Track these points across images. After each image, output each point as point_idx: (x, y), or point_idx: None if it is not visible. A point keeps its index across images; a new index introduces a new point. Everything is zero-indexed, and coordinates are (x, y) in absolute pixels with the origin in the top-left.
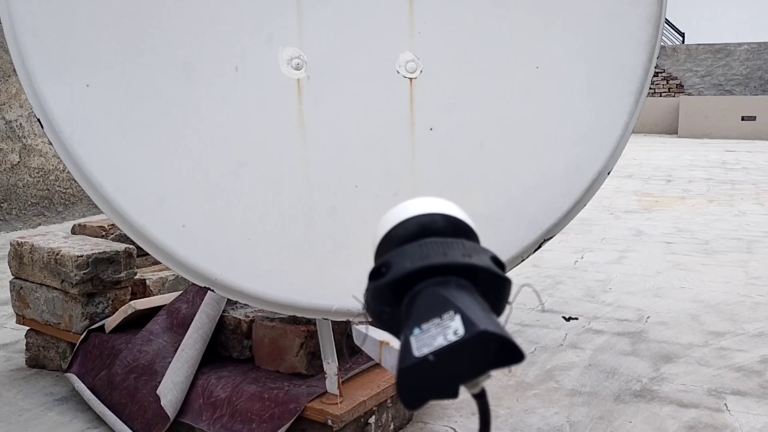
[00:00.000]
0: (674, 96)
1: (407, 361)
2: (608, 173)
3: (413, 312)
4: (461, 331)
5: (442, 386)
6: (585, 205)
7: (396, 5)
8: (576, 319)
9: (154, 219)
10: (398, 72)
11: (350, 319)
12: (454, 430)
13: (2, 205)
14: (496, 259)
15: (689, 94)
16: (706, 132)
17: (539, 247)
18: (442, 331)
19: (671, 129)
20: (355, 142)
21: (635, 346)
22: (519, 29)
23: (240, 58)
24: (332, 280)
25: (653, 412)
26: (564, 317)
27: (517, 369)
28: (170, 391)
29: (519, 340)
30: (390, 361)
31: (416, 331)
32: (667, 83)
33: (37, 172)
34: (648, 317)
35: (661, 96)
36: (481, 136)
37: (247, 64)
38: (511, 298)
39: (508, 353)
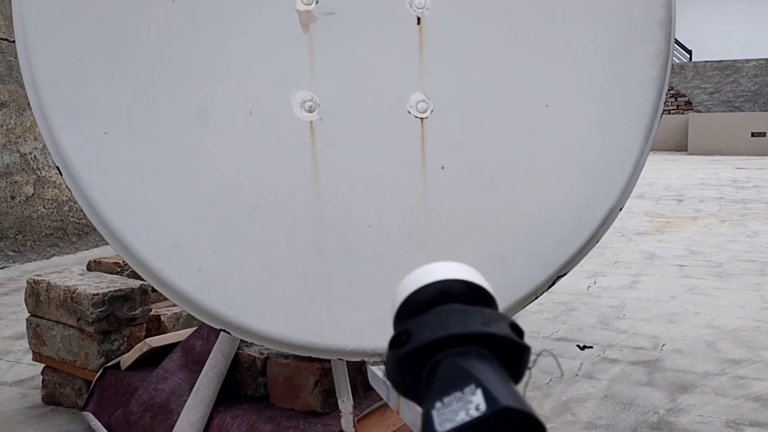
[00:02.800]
0: (683, 113)
1: None
2: (620, 209)
3: (434, 384)
4: (483, 406)
5: None
6: (598, 241)
7: (406, 47)
8: (591, 347)
9: (171, 263)
10: (409, 112)
11: (365, 359)
12: None
13: (17, 236)
14: (514, 326)
15: (698, 111)
16: (716, 149)
17: (553, 284)
18: (464, 406)
19: (681, 146)
20: (367, 182)
21: (651, 376)
22: (528, 68)
23: (254, 102)
24: (346, 320)
25: None
26: (578, 346)
27: (533, 401)
28: (186, 431)
29: (533, 370)
30: (408, 415)
31: (438, 404)
32: (676, 101)
33: (51, 204)
34: (663, 345)
35: (669, 113)
36: (491, 174)
37: (261, 108)
38: (530, 364)
39: (529, 427)
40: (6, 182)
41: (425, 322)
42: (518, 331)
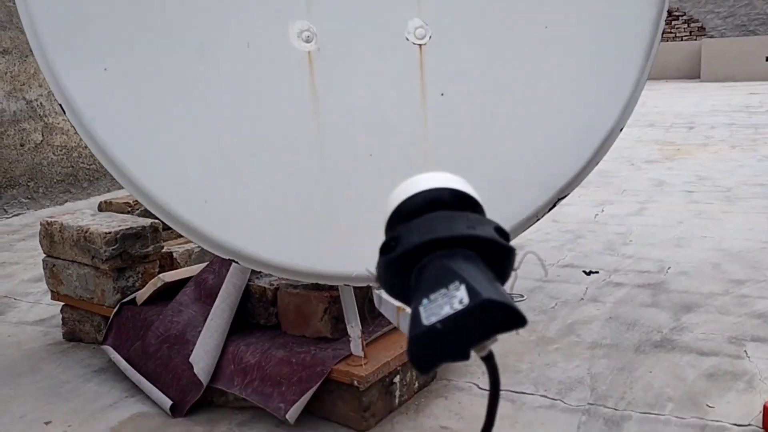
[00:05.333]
0: (696, 39)
1: (416, 330)
2: (620, 130)
3: (422, 283)
4: (466, 299)
5: (451, 351)
6: (598, 163)
7: None
8: (596, 272)
9: (177, 196)
10: (407, 39)
11: (371, 285)
12: (477, 385)
13: (29, 184)
14: (500, 230)
15: (711, 37)
16: (729, 75)
17: (554, 206)
18: (449, 301)
19: (693, 73)
20: (367, 112)
21: (656, 297)
22: None
23: (251, 34)
24: (350, 248)
25: (673, 362)
26: (584, 271)
27: (538, 324)
28: (202, 359)
29: (540, 296)
30: (406, 326)
31: (425, 301)
32: (688, 26)
33: (61, 150)
34: (669, 268)
35: (682, 40)
36: (492, 101)
37: (258, 40)
38: (516, 265)
39: (511, 319)
40: (14, 130)
41: (413, 227)
42: (504, 234)
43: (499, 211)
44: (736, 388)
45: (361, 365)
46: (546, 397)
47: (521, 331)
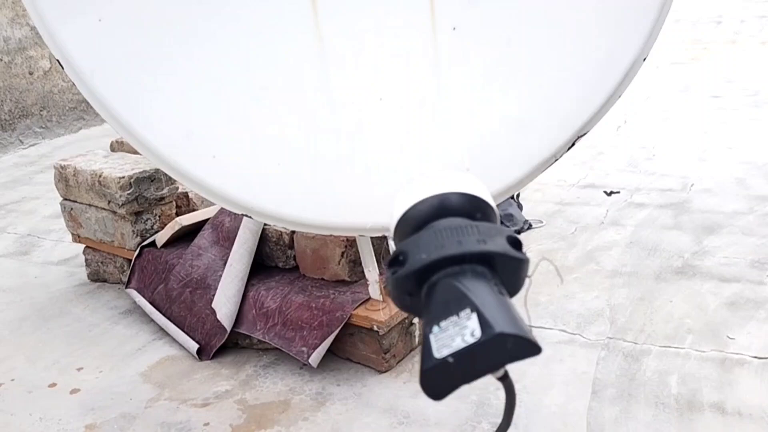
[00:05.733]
0: None
1: (428, 363)
2: (644, 60)
3: (432, 306)
4: (478, 332)
5: (464, 378)
6: (620, 96)
7: None
8: (618, 192)
9: (185, 152)
10: None
11: (386, 234)
12: None
13: (42, 113)
14: (512, 239)
15: None
16: None
17: (573, 144)
18: (460, 332)
19: None
20: (375, 52)
21: (678, 218)
22: None
23: None
24: (364, 197)
25: (694, 289)
26: (605, 192)
27: (557, 252)
28: (224, 305)
29: (559, 220)
30: None
31: (435, 329)
32: None
33: None
34: (692, 185)
35: None
36: (506, 33)
37: None
38: (529, 273)
39: (525, 348)
40: (21, 58)
41: (421, 242)
42: (516, 243)
43: (516, 152)
44: (757, 317)
45: (380, 310)
46: (565, 331)
47: (539, 260)
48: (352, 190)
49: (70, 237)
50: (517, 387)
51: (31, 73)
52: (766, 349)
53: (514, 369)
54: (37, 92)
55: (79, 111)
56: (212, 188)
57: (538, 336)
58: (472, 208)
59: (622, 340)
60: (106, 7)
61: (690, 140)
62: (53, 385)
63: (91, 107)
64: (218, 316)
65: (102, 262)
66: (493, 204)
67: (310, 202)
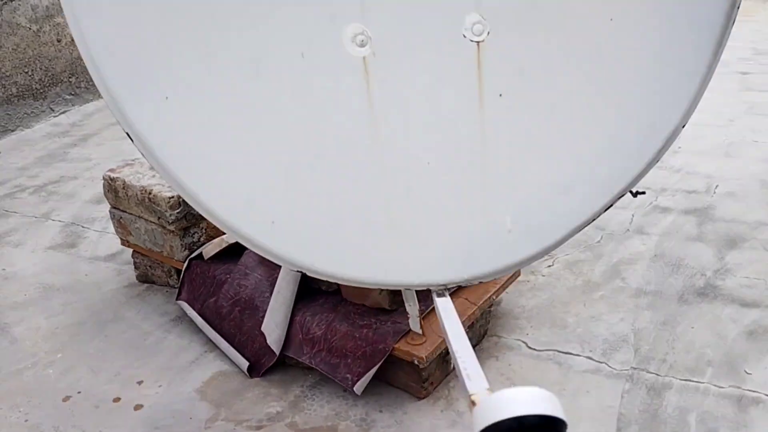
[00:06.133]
0: None
1: None
2: (683, 127)
3: None
4: None
5: None
6: (657, 162)
7: None
8: (643, 193)
9: (247, 219)
10: (465, 36)
11: (431, 288)
12: (526, 344)
13: (71, 79)
14: None
15: None
16: None
17: (610, 206)
18: None
19: None
20: (423, 118)
21: (701, 228)
22: None
23: (305, 44)
24: (411, 256)
25: (715, 314)
26: (631, 192)
27: (584, 264)
28: (273, 330)
29: (586, 228)
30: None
31: None
32: None
33: None
34: (716, 186)
35: None
36: (551, 100)
37: (312, 49)
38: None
39: None
40: (49, 25)
41: None
42: None
43: (556, 215)
44: None
45: (421, 345)
46: (591, 359)
47: (567, 274)
48: (400, 251)
49: (112, 227)
50: None
51: (59, 41)
52: None
53: None
54: (65, 59)
55: None
56: (272, 251)
57: (566, 364)
58: (547, 426)
59: (646, 371)
60: (172, 86)
61: (716, 130)
62: (117, 399)
63: None
64: (268, 341)
65: (150, 266)
66: (566, 421)
67: (362, 262)
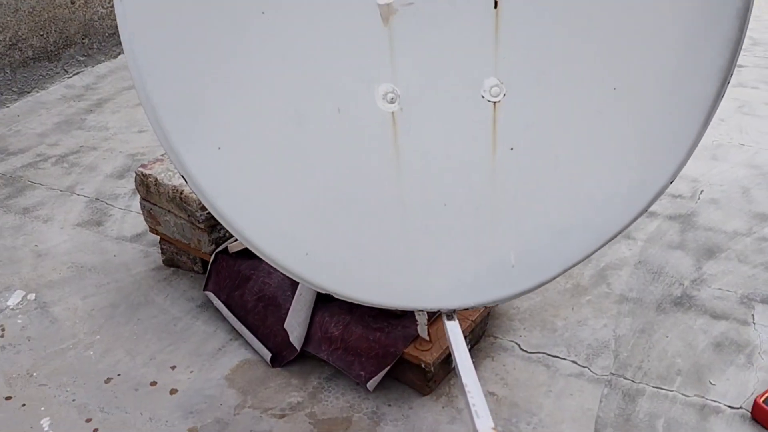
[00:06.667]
0: None
1: None
2: (671, 182)
3: None
4: None
5: None
6: (647, 211)
7: (482, 33)
8: None
9: (284, 251)
10: (483, 97)
11: (441, 311)
12: (519, 345)
13: (84, 41)
14: None
15: None
16: None
17: (601, 247)
18: None
19: None
20: (442, 165)
21: (684, 235)
22: (600, 53)
23: (342, 100)
24: (427, 285)
25: (688, 325)
26: None
27: (574, 269)
28: (295, 329)
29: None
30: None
31: None
32: None
33: (109, 3)
34: (701, 192)
35: None
36: (556, 154)
37: (348, 105)
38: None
39: None
40: None
41: None
42: None
43: (554, 255)
44: (737, 362)
45: (428, 350)
46: (576, 363)
47: (559, 278)
48: (417, 279)
49: (135, 204)
50: (532, 420)
51: (72, 2)
52: (738, 398)
53: (531, 402)
54: (79, 21)
55: (117, 36)
56: (305, 278)
57: (554, 367)
58: None
59: (623, 378)
60: (224, 138)
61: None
62: (154, 383)
63: None
64: (291, 339)
65: (176, 253)
66: None
67: (383, 289)
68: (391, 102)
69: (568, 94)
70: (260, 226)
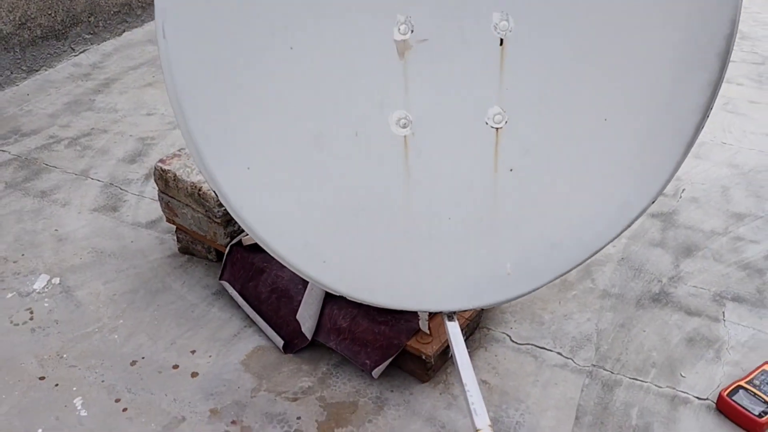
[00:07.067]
0: None
1: None
2: (653, 202)
3: None
4: None
5: None
6: (630, 227)
7: (488, 66)
8: None
9: (303, 258)
10: (487, 123)
11: (443, 312)
12: (510, 337)
13: (90, 19)
14: None
15: None
16: None
17: (587, 259)
18: None
19: None
20: (448, 183)
21: (664, 233)
22: (593, 86)
23: (360, 124)
24: (431, 288)
25: (664, 320)
26: None
27: None
28: (306, 320)
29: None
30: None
31: None
32: None
33: None
34: (683, 190)
35: None
36: (552, 175)
37: (365, 129)
38: None
39: None
40: None
41: None
42: None
43: (546, 264)
44: (706, 357)
45: (428, 344)
46: (561, 354)
47: None
48: (421, 284)
49: (149, 190)
50: (520, 407)
51: None
52: (706, 390)
53: (519, 390)
54: None
55: (122, 14)
56: (322, 282)
57: (541, 358)
58: None
59: (603, 369)
60: (253, 158)
61: None
62: (176, 366)
63: (133, 11)
64: (302, 329)
65: (191, 242)
66: None
67: (390, 292)
68: (404, 127)
69: (564, 122)
70: (283, 236)
